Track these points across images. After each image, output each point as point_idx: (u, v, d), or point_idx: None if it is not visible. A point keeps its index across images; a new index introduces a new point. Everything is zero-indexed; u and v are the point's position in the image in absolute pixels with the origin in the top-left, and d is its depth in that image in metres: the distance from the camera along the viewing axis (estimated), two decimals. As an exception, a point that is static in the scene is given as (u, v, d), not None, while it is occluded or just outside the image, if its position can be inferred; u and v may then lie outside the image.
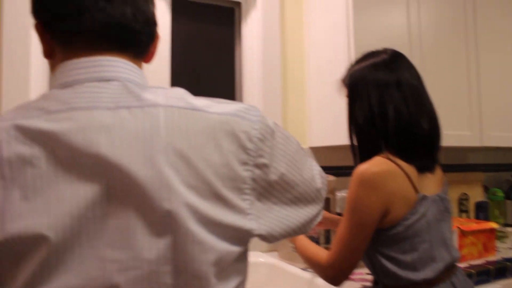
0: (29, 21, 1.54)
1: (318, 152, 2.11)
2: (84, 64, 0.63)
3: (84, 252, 0.55)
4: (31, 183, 0.54)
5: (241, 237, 0.63)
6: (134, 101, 0.60)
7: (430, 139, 1.17)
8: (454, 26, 2.15)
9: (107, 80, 0.62)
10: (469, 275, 1.66)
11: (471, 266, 1.74)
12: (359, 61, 1.23)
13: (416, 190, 1.10)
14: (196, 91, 2.04)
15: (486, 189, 2.64)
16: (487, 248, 1.90)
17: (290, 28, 2.10)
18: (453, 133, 2.09)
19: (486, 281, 1.73)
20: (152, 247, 0.56)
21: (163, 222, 0.57)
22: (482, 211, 2.42)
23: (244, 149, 0.63)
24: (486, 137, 2.20)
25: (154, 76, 1.83)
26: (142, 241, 0.56)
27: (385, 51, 1.21)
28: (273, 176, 0.66)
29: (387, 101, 1.13)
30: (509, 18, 2.38)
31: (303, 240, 1.25)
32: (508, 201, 2.62)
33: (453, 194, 2.46)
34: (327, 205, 1.67)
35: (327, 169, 2.12)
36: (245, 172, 0.63)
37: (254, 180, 0.64)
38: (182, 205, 0.57)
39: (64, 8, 0.63)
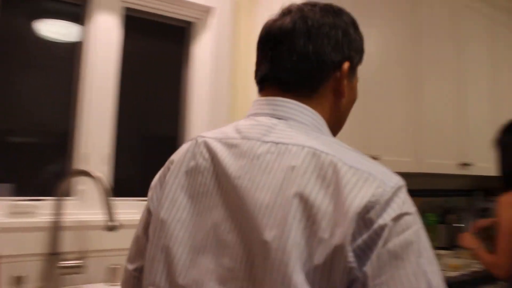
0: None
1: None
2: (261, 102, 0.81)
3: None
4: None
5: None
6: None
7: None
8: (399, 55, 2.25)
9: (280, 118, 0.76)
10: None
11: None
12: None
13: None
14: (142, 109, 1.99)
15: (421, 213, 2.76)
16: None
17: (243, 51, 2.10)
18: (395, 159, 2.17)
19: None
20: None
21: None
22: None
23: None
24: (425, 164, 2.31)
25: (99, 92, 1.74)
26: None
27: None
28: None
29: None
30: (450, 50, 2.54)
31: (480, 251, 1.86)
32: (441, 225, 2.75)
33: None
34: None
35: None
36: None
37: None
38: None
39: None
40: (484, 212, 2.88)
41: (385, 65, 2.17)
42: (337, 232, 0.58)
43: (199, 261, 0.68)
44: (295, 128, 0.72)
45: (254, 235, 0.62)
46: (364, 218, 0.58)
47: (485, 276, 2.14)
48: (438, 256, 2.39)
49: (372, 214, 0.58)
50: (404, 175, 2.69)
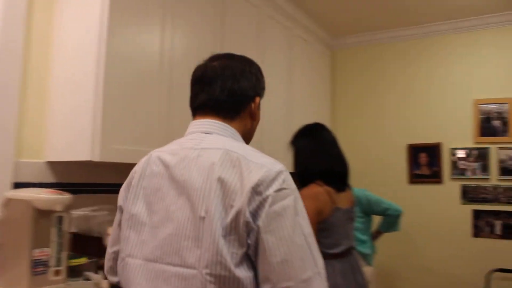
0: None
1: (56, 167, 1.99)
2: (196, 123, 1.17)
3: None
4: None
5: None
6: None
7: (342, 173, 2.11)
8: (203, 56, 2.33)
9: (207, 133, 1.13)
10: None
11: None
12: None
13: (334, 203, 1.98)
14: None
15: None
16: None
17: (36, 40, 1.94)
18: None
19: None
20: None
21: None
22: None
23: None
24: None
25: None
26: None
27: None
28: None
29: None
30: (253, 56, 2.72)
31: None
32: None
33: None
34: (60, 223, 1.58)
35: (64, 186, 2.01)
36: None
37: None
38: None
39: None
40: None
41: (189, 64, 2.21)
42: (239, 200, 0.95)
43: (157, 233, 1.06)
44: (217, 138, 1.10)
45: (193, 212, 1.00)
46: (256, 190, 0.95)
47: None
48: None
49: (261, 188, 0.96)
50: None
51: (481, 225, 3.55)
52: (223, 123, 1.14)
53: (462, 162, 3.65)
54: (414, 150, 3.79)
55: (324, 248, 1.90)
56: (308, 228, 1.00)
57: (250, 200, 0.95)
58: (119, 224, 1.17)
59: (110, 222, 1.98)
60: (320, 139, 2.13)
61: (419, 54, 3.89)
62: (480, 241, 3.54)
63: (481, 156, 3.59)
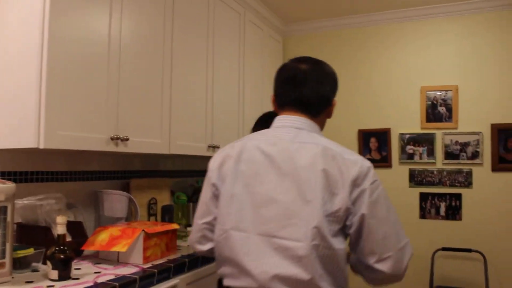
0: None
1: None
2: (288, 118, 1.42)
3: None
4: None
5: None
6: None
7: None
8: (153, 41, 2.29)
9: (299, 128, 1.39)
10: (151, 275, 1.78)
11: (154, 266, 1.88)
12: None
13: None
14: None
15: (172, 193, 2.90)
16: (169, 248, 2.09)
17: None
18: (146, 140, 2.22)
19: (167, 278, 1.89)
20: None
21: None
22: (167, 214, 2.64)
23: None
24: (174, 146, 2.43)
25: None
26: None
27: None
28: None
29: None
30: (200, 40, 2.70)
31: None
32: (191, 204, 2.95)
33: (143, 199, 2.60)
34: (4, 213, 1.51)
35: (9, 175, 1.93)
36: None
37: None
38: None
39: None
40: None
41: (137, 49, 2.18)
42: (342, 190, 1.24)
43: (261, 211, 1.29)
44: (308, 134, 1.37)
45: (297, 197, 1.25)
46: (355, 183, 1.25)
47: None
48: (188, 233, 2.56)
49: (359, 181, 1.26)
50: (155, 156, 2.79)
51: (428, 207, 3.71)
52: (310, 121, 1.42)
53: (409, 147, 3.78)
54: (365, 135, 3.89)
55: None
56: (393, 207, 1.34)
57: (351, 191, 1.25)
58: (211, 199, 1.42)
59: (58, 211, 1.93)
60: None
61: (368, 41, 3.97)
62: (427, 222, 3.70)
63: (428, 141, 3.74)
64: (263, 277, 1.26)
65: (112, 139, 1.98)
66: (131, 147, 2.09)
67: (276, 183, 1.29)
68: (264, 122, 2.16)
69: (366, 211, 1.25)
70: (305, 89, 1.41)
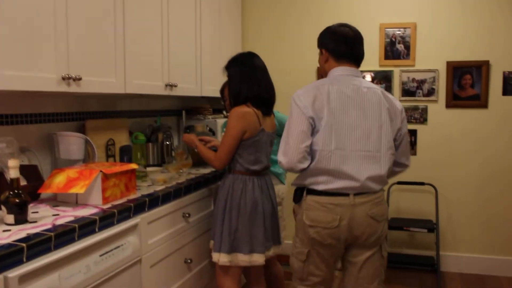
0: None
1: None
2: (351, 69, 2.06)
3: None
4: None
5: None
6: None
7: (269, 100, 2.40)
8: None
9: (358, 76, 2.07)
10: (111, 215, 1.79)
11: (114, 206, 1.88)
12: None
13: (260, 124, 2.30)
14: None
15: (130, 134, 2.86)
16: (129, 188, 2.09)
17: None
18: (100, 80, 2.14)
19: (127, 217, 1.90)
20: None
21: None
22: (126, 154, 2.61)
23: None
24: (130, 85, 2.36)
25: None
26: None
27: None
28: None
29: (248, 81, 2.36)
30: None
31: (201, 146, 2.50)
32: (150, 144, 2.92)
33: (101, 141, 2.56)
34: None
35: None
36: None
37: None
38: None
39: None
40: (188, 129, 3.18)
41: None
42: (397, 118, 2.04)
43: (351, 135, 1.92)
44: (366, 80, 2.06)
45: (374, 123, 1.95)
46: (401, 113, 2.07)
47: (189, 185, 2.43)
48: (148, 173, 2.55)
49: (402, 112, 2.08)
50: (114, 97, 2.72)
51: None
52: (358, 70, 2.07)
53: (368, 84, 3.83)
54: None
55: (247, 164, 2.33)
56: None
57: (402, 118, 2.06)
58: (308, 128, 1.93)
59: (10, 155, 1.87)
60: (251, 66, 2.37)
61: (329, -24, 3.88)
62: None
63: (386, 78, 3.79)
64: (361, 178, 1.92)
65: (63, 78, 1.89)
66: (84, 87, 2.01)
67: (357, 115, 1.94)
68: (237, 62, 2.40)
69: (405, 130, 2.10)
70: (361, 47, 2.08)
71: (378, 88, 2.02)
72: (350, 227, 1.94)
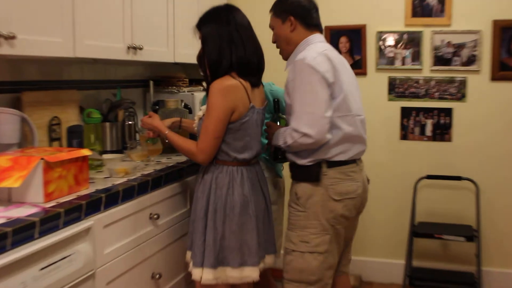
0: None
1: None
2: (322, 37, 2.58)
3: None
4: None
5: None
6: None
7: (257, 67, 2.37)
8: None
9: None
10: (56, 216, 1.77)
11: (59, 205, 1.86)
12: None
13: (250, 100, 2.28)
14: None
15: (82, 110, 2.82)
16: (79, 181, 2.07)
17: None
18: (41, 39, 2.10)
19: (77, 219, 1.89)
20: None
21: None
22: (75, 137, 2.58)
23: None
24: (81, 47, 2.32)
25: None
26: None
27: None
28: None
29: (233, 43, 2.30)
30: None
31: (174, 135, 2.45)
32: (107, 124, 2.88)
33: (42, 119, 2.52)
34: None
35: None
36: None
37: None
38: None
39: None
40: (157, 106, 3.16)
41: None
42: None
43: (356, 100, 2.44)
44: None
45: (358, 88, 2.54)
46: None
47: (158, 178, 2.43)
48: (104, 162, 2.53)
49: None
50: (60, 63, 2.68)
51: (410, 125, 3.83)
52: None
53: (390, 49, 3.82)
54: (333, 34, 3.89)
55: (234, 152, 2.29)
56: None
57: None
58: (329, 96, 2.26)
59: None
60: (232, 23, 2.28)
61: None
62: (409, 144, 3.85)
63: (413, 41, 3.78)
64: (366, 141, 2.47)
65: (-8, 37, 1.87)
66: (20, 49, 1.98)
67: (353, 80, 2.45)
68: (212, 18, 2.32)
69: None
70: (318, 16, 2.50)
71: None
72: (364, 193, 2.45)
